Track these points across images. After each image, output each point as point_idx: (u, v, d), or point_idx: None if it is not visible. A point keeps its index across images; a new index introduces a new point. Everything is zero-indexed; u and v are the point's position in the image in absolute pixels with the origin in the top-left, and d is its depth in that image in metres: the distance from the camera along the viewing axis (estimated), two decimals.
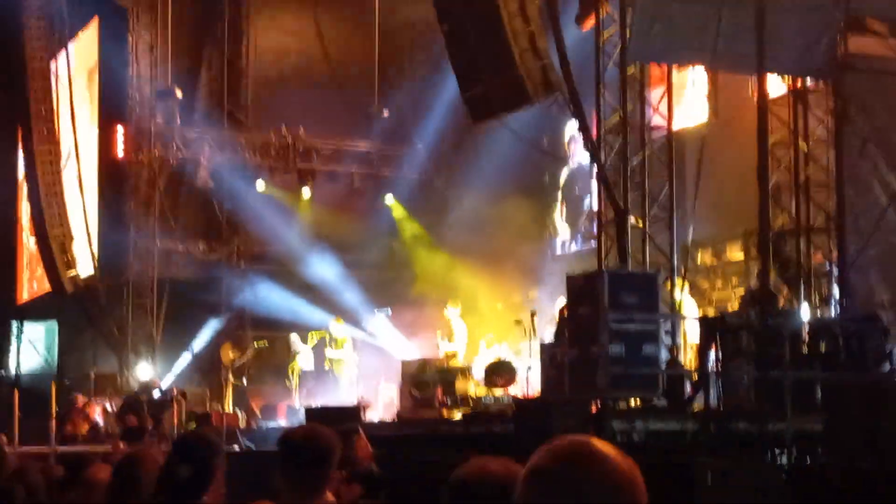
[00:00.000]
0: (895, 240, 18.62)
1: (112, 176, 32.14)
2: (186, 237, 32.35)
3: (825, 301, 18.96)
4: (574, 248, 29.21)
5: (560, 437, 2.67)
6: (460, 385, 22.59)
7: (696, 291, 20.69)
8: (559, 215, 30.13)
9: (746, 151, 18.99)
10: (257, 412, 26.94)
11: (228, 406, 26.78)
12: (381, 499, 10.64)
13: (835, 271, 18.90)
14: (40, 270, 33.84)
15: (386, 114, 33.42)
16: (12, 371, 37.03)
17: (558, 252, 29.68)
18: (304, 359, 26.88)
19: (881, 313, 17.49)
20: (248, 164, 32.00)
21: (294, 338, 27.22)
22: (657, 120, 19.37)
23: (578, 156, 28.34)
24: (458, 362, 23.59)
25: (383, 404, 25.88)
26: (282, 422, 24.82)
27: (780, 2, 17.50)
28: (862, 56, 18.80)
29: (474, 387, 22.52)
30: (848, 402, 14.52)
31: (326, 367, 26.85)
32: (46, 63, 31.53)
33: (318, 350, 27.18)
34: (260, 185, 31.93)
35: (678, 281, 19.22)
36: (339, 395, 25.65)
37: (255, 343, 30.61)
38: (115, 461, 7.10)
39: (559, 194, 30.16)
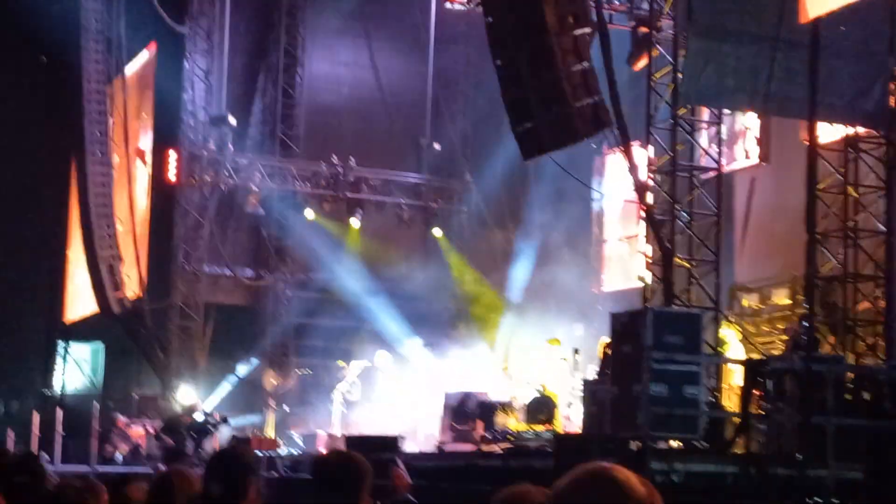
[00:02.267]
0: None
1: (163, 200, 32.38)
2: (234, 263, 32.52)
3: (870, 349, 18.81)
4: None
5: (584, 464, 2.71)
6: (501, 419, 22.56)
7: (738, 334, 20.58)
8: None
9: (796, 196, 18.91)
10: (297, 439, 26.96)
11: (270, 432, 26.82)
12: None
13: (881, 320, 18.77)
14: (88, 291, 34.07)
15: (437, 146, 33.55)
16: (57, 390, 37.30)
17: (604, 288, 29.57)
18: (349, 387, 26.86)
19: None
20: (298, 192, 32.16)
21: (344, 364, 27.17)
22: (707, 161, 19.31)
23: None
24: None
25: (424, 436, 25.84)
26: (321, 449, 24.82)
27: (834, 48, 17.44)
28: None
29: (515, 422, 22.48)
30: (891, 451, 14.38)
31: (370, 397, 26.81)
32: (103, 86, 31.86)
33: (363, 379, 27.16)
34: (309, 213, 32.06)
35: (727, 324, 19.13)
36: (380, 426, 25.62)
37: (297, 370, 30.69)
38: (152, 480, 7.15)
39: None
